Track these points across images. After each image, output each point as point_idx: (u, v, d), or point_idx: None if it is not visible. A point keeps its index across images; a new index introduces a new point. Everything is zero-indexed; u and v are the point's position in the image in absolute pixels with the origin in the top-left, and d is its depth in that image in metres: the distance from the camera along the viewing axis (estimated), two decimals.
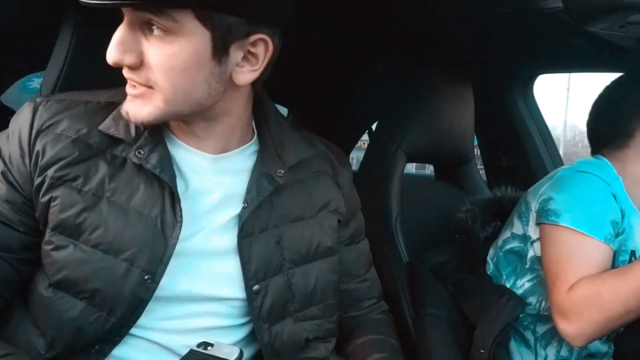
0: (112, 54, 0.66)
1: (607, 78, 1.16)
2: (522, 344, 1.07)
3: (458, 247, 1.22)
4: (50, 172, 0.68)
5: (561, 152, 1.01)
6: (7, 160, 0.70)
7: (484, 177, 1.69)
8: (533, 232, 1.05)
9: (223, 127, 0.75)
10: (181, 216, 0.70)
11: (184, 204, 0.70)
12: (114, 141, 0.71)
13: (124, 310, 0.68)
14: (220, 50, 0.65)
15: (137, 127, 0.71)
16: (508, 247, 1.11)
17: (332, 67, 1.79)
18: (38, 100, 0.73)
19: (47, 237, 0.69)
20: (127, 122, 0.71)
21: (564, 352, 1.05)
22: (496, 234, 1.19)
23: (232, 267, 0.74)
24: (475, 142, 1.62)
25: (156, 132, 0.72)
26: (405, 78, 1.42)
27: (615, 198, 0.99)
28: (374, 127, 2.06)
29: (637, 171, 1.04)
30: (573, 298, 0.90)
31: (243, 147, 0.79)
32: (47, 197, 0.68)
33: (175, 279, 0.71)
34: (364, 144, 2.33)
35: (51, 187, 0.68)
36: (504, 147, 1.63)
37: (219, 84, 0.68)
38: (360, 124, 2.15)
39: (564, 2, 0.79)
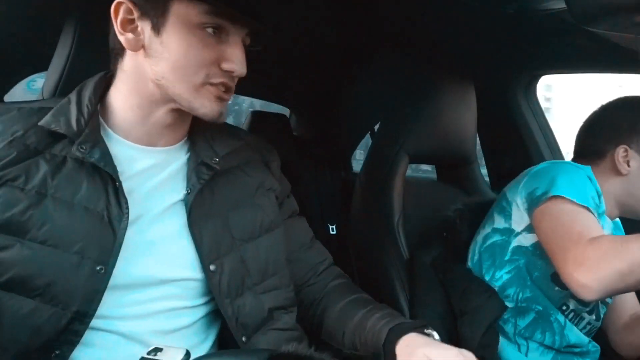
0: (244, 69, 0.75)
1: None
2: (503, 337, 1.09)
3: (445, 245, 1.24)
4: None
5: None
6: None
7: (487, 179, 1.68)
8: (517, 225, 1.09)
9: (185, 121, 0.82)
10: (127, 208, 0.71)
11: (127, 195, 0.72)
12: (53, 140, 0.72)
13: (80, 303, 0.68)
14: None
15: (78, 123, 0.73)
16: (489, 242, 1.14)
17: (334, 68, 1.79)
18: None
19: None
20: (67, 119, 0.73)
21: (547, 342, 1.07)
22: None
23: (185, 248, 0.77)
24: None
25: (96, 127, 0.75)
26: (408, 79, 1.42)
27: (590, 180, 1.04)
28: (376, 128, 2.06)
29: (601, 187, 1.08)
30: (596, 246, 0.89)
31: (179, 143, 0.83)
32: None
33: (129, 266, 0.72)
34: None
35: None
36: (507, 148, 1.62)
37: None
38: (363, 125, 2.15)
39: (567, 2, 0.79)
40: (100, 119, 0.78)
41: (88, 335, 0.69)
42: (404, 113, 1.36)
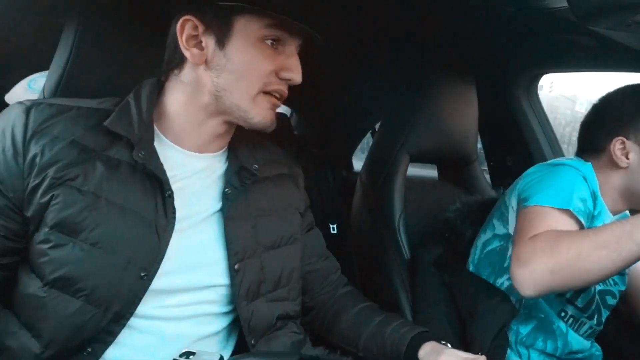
0: (300, 77, 0.80)
1: None
2: None
3: (447, 245, 1.24)
4: (50, 172, 0.70)
5: None
6: None
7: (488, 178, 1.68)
8: (514, 230, 1.07)
9: (229, 133, 0.86)
10: (174, 218, 0.75)
11: (174, 199, 0.75)
12: (110, 141, 0.75)
13: (120, 306, 0.70)
14: None
15: (139, 128, 0.75)
16: (489, 248, 1.13)
17: (335, 67, 1.79)
18: (28, 103, 0.75)
19: (43, 236, 0.70)
20: (130, 122, 0.75)
21: (549, 350, 1.06)
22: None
23: (217, 254, 0.80)
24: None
25: (152, 134, 0.78)
26: (409, 78, 1.42)
27: (586, 181, 1.02)
28: (377, 127, 2.06)
29: (603, 181, 1.07)
30: (532, 243, 0.90)
31: (222, 150, 0.87)
32: (47, 197, 0.70)
33: (169, 273, 0.74)
34: None
35: (51, 186, 0.70)
36: (508, 147, 1.62)
37: None
38: (364, 124, 2.15)
39: (569, 1, 0.78)
40: (154, 124, 0.80)
41: (121, 335, 0.71)
42: (405, 112, 1.36)
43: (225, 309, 0.82)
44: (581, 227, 0.96)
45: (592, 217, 1.02)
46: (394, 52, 1.55)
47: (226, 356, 0.80)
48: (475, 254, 1.16)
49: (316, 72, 1.82)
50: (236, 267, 0.80)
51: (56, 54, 0.99)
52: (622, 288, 1.11)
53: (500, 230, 1.12)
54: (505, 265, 1.08)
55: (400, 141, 1.34)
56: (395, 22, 1.28)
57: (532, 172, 1.08)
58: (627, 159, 1.05)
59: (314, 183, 2.04)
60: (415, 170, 1.54)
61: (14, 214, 0.71)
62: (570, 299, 1.05)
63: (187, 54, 0.76)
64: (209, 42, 0.76)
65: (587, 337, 1.09)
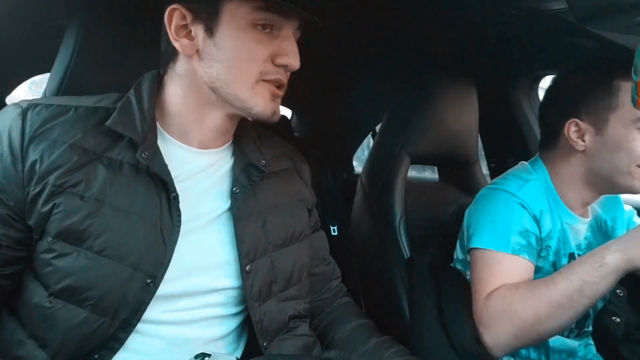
0: (298, 62, 0.75)
1: None
2: None
3: (441, 249, 1.23)
4: (51, 180, 0.67)
5: None
6: None
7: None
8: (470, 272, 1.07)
9: (233, 126, 0.83)
10: (179, 220, 0.72)
11: (179, 197, 0.73)
12: (111, 141, 0.72)
13: (127, 314, 0.69)
14: None
15: (142, 127, 0.72)
16: (457, 266, 1.14)
17: (335, 69, 1.79)
18: (23, 104, 0.71)
19: (46, 245, 0.68)
20: (132, 121, 0.72)
21: (533, 357, 1.05)
22: None
23: (227, 255, 0.78)
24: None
25: (155, 132, 0.75)
26: (409, 80, 1.42)
27: (524, 207, 0.99)
28: (377, 129, 2.06)
29: (564, 171, 1.03)
30: (488, 307, 0.92)
31: (227, 144, 0.84)
32: (49, 205, 0.67)
33: (175, 278, 0.72)
34: None
35: (53, 194, 0.67)
36: (508, 149, 1.62)
37: None
38: (364, 126, 2.15)
39: (569, 3, 0.79)
40: (157, 121, 0.78)
41: (128, 341, 0.70)
42: (406, 114, 1.36)
43: (235, 310, 0.80)
44: (527, 264, 0.96)
45: (541, 240, 1.01)
46: (394, 54, 1.56)
47: (237, 357, 0.80)
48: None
49: (317, 74, 1.83)
50: (247, 268, 0.77)
51: (58, 57, 0.99)
52: None
53: (459, 254, 1.12)
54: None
55: (400, 143, 1.34)
56: (395, 24, 1.28)
57: (476, 199, 1.08)
58: (583, 141, 0.99)
59: (314, 185, 2.03)
60: (416, 172, 1.55)
61: (16, 223, 0.69)
62: None
63: (176, 45, 0.73)
64: (198, 31, 0.72)
65: (573, 338, 1.07)
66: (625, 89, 0.95)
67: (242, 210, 0.79)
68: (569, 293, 0.84)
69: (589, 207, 1.10)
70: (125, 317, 0.69)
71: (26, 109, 0.71)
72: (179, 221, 0.72)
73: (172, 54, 0.76)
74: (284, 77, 0.76)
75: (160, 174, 0.71)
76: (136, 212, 0.70)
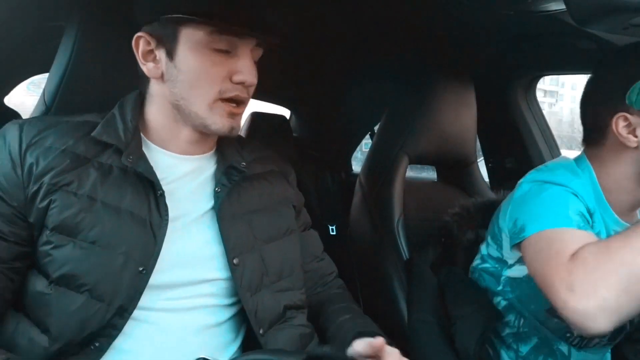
0: (254, 79, 0.81)
1: None
2: None
3: (444, 249, 1.23)
4: (46, 179, 0.74)
5: None
6: None
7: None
8: (509, 256, 1.00)
9: (210, 135, 0.87)
10: (167, 215, 0.77)
11: (167, 198, 0.78)
12: (100, 149, 0.79)
13: (123, 299, 0.73)
14: None
15: (125, 135, 0.80)
16: (484, 265, 1.08)
17: (334, 70, 1.79)
18: (20, 121, 0.81)
19: (45, 238, 0.74)
20: (116, 131, 0.80)
21: None
22: (478, 240, 1.17)
23: (214, 250, 0.82)
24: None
25: (139, 140, 0.82)
26: (408, 80, 1.42)
27: (577, 196, 0.90)
28: (376, 129, 2.06)
29: (614, 171, 0.93)
30: (579, 262, 0.75)
31: (212, 151, 0.90)
32: (45, 202, 0.74)
33: (167, 268, 0.77)
34: None
35: (49, 192, 0.74)
36: (506, 149, 1.63)
37: None
38: (362, 126, 2.15)
39: (567, 4, 0.79)
40: (141, 132, 0.85)
41: (126, 327, 0.74)
42: (404, 114, 1.36)
43: (228, 301, 0.83)
44: (595, 237, 0.84)
45: (592, 224, 0.93)
46: (393, 54, 1.56)
47: (236, 346, 0.84)
48: (476, 261, 1.12)
49: (315, 74, 1.84)
50: (235, 261, 0.82)
51: (56, 57, 0.99)
52: None
53: (493, 251, 1.05)
54: (500, 288, 1.03)
55: (399, 143, 1.35)
56: (394, 24, 1.28)
57: (521, 195, 0.97)
58: (635, 137, 0.88)
59: (313, 185, 2.04)
60: (413, 173, 1.55)
61: (21, 221, 0.75)
62: None
63: (144, 68, 0.81)
64: (161, 55, 0.79)
65: (595, 351, 1.02)
66: None
67: (225, 209, 0.84)
68: None
69: (637, 212, 0.99)
70: (121, 303, 0.73)
71: (22, 123, 0.79)
72: (167, 216, 0.77)
73: (144, 76, 0.83)
74: (242, 94, 0.81)
75: (146, 174, 0.78)
76: (126, 208, 0.76)
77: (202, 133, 0.84)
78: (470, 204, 1.23)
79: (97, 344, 0.73)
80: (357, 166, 2.32)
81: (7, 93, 1.40)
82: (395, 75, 1.63)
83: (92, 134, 0.79)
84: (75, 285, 0.72)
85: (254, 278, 0.83)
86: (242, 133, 1.82)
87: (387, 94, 1.60)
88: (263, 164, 0.95)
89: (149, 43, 0.79)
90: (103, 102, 0.87)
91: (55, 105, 1.04)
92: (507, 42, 1.26)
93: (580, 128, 1.01)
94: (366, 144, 2.34)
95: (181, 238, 0.80)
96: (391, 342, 0.92)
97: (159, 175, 0.79)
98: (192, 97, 0.79)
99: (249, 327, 0.85)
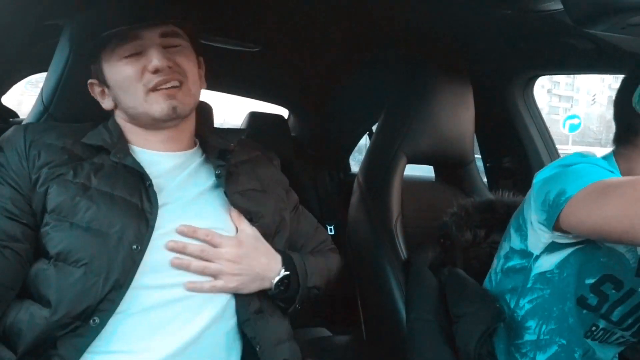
0: (161, 61, 0.86)
1: None
2: None
3: (442, 249, 1.22)
4: (45, 169, 0.83)
5: None
6: (6, 167, 0.84)
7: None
8: (534, 247, 0.96)
9: (184, 130, 0.96)
10: (157, 202, 0.83)
11: (157, 190, 0.85)
12: (93, 152, 0.88)
13: (119, 273, 0.78)
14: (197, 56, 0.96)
15: (111, 139, 0.90)
16: (510, 264, 1.03)
17: (332, 69, 1.79)
18: (24, 125, 0.91)
19: (45, 220, 0.81)
20: (102, 137, 0.90)
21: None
22: (477, 240, 1.17)
23: (209, 225, 0.88)
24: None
25: (124, 143, 0.91)
26: (406, 79, 1.42)
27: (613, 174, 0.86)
28: (374, 128, 2.06)
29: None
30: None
31: (194, 149, 0.98)
32: (44, 187, 0.82)
33: (161, 247, 0.83)
34: None
35: (47, 179, 0.83)
36: (504, 149, 1.63)
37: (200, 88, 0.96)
38: (361, 126, 2.15)
39: (564, 4, 0.79)
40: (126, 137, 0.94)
41: (124, 304, 0.78)
42: (402, 114, 1.36)
43: None
44: None
45: None
46: (390, 53, 1.56)
47: (233, 320, 0.87)
48: (498, 266, 1.07)
49: (313, 74, 1.84)
50: (249, 217, 0.90)
51: (55, 56, 0.99)
52: None
53: (516, 243, 1.00)
54: (529, 286, 0.98)
55: (397, 143, 1.35)
56: (391, 24, 1.29)
57: (546, 175, 0.92)
58: None
59: (311, 184, 2.04)
60: (415, 170, 1.55)
61: (30, 208, 0.83)
62: (605, 313, 0.94)
63: (103, 105, 0.95)
64: (104, 88, 0.93)
65: (614, 346, 1.00)
66: None
67: (231, 187, 0.91)
68: None
69: None
70: (117, 277, 0.77)
71: (26, 126, 0.90)
72: (157, 203, 0.83)
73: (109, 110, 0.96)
74: (166, 76, 0.87)
75: (134, 166, 0.85)
76: (119, 195, 0.83)
77: (171, 131, 0.93)
78: (469, 203, 1.22)
79: (96, 320, 0.76)
80: (355, 166, 2.32)
81: (4, 92, 1.40)
82: (393, 75, 1.63)
83: (81, 140, 0.88)
84: (72, 261, 0.78)
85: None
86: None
87: (385, 94, 1.60)
88: (247, 150, 1.04)
89: (98, 84, 0.93)
90: None
91: (53, 105, 1.04)
92: (505, 41, 1.26)
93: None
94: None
95: (175, 219, 0.85)
96: (389, 341, 0.93)
97: (146, 170, 0.86)
98: (128, 101, 0.89)
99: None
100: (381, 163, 1.36)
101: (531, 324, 0.99)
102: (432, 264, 1.20)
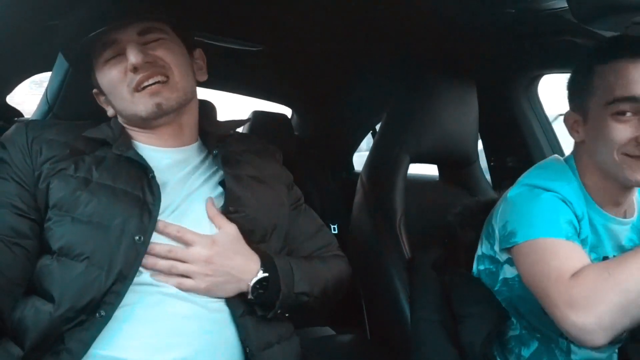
0: (137, 58, 0.85)
1: None
2: None
3: (446, 250, 1.23)
4: (47, 165, 0.84)
5: None
6: (11, 164, 0.85)
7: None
8: (500, 255, 1.02)
9: (183, 125, 0.96)
10: (159, 193, 0.84)
11: (160, 184, 0.85)
12: (95, 145, 0.89)
13: (122, 266, 0.77)
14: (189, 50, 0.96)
15: (113, 133, 0.90)
16: (482, 267, 1.09)
17: (335, 68, 1.79)
18: (25, 122, 0.91)
19: (48, 215, 0.82)
20: (104, 132, 0.91)
21: None
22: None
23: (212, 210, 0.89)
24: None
25: (126, 137, 0.92)
26: (409, 79, 1.42)
27: (566, 203, 0.94)
28: (377, 127, 2.06)
29: (580, 165, 0.98)
30: (580, 282, 0.79)
31: (195, 143, 0.99)
32: (46, 183, 0.83)
33: (163, 237, 0.83)
34: None
35: (48, 175, 0.83)
36: (508, 148, 1.63)
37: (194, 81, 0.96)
38: (364, 125, 2.15)
39: (569, 2, 0.79)
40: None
41: (129, 296, 0.78)
42: (405, 113, 1.36)
43: None
44: (582, 250, 0.89)
45: (581, 241, 0.94)
46: (394, 53, 1.56)
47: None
48: (475, 267, 1.12)
49: (317, 74, 1.83)
50: (231, 209, 0.87)
51: (59, 56, 1.00)
52: None
53: (487, 249, 1.06)
54: (496, 289, 1.05)
55: (400, 142, 1.34)
56: (395, 23, 1.28)
57: (512, 197, 0.99)
58: (577, 132, 0.97)
59: (314, 184, 2.04)
60: (418, 169, 1.54)
61: (35, 204, 0.83)
62: None
63: (108, 113, 0.96)
64: (104, 96, 0.94)
65: (599, 350, 1.00)
66: (599, 73, 0.92)
67: (228, 170, 0.91)
68: None
69: (634, 207, 1.03)
70: (120, 269, 0.77)
71: (27, 123, 0.90)
72: (160, 194, 0.83)
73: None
74: (145, 72, 0.86)
75: (136, 159, 0.86)
76: (120, 187, 0.83)
77: (168, 127, 0.93)
78: (473, 203, 1.22)
79: (102, 313, 0.76)
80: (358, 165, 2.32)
81: (9, 92, 1.40)
82: (396, 74, 1.62)
83: (83, 134, 0.89)
84: (74, 255, 0.78)
85: (243, 231, 0.88)
86: (244, 132, 1.82)
87: (389, 93, 1.60)
88: (248, 142, 1.05)
89: (99, 93, 0.94)
90: None
91: (57, 104, 1.04)
92: (509, 40, 1.25)
93: None
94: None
95: (178, 210, 0.86)
96: (393, 340, 0.93)
97: (149, 163, 0.86)
98: (118, 104, 0.91)
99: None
100: (384, 162, 1.36)
101: (513, 319, 1.03)
102: (435, 263, 1.20)
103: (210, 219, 0.86)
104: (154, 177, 0.85)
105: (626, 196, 0.98)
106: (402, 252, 1.26)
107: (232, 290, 0.84)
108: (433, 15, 1.19)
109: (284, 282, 0.86)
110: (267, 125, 1.97)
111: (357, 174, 1.51)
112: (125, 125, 0.95)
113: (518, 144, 1.58)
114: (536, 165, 1.06)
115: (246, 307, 0.86)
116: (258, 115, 2.01)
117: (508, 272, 1.02)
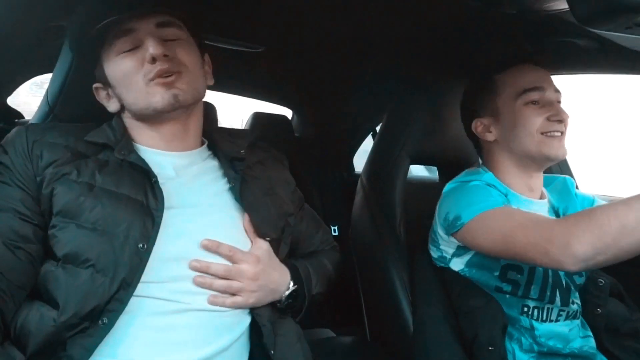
0: (157, 49, 0.85)
1: None
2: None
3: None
4: (49, 170, 0.83)
5: None
6: (12, 169, 0.84)
7: None
8: (446, 252, 1.13)
9: (189, 127, 0.95)
10: (162, 199, 0.83)
11: (163, 188, 0.84)
12: (97, 149, 0.88)
13: (126, 273, 0.77)
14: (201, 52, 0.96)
15: (114, 136, 0.90)
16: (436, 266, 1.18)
17: (335, 69, 1.79)
18: (25, 125, 0.90)
19: (52, 222, 0.81)
20: (106, 135, 0.90)
21: (525, 347, 1.05)
22: None
23: (237, 228, 0.91)
24: None
25: (128, 140, 0.91)
26: (410, 80, 1.42)
27: (491, 185, 1.08)
28: (377, 129, 2.06)
29: (497, 165, 1.14)
30: (564, 222, 0.88)
31: (201, 147, 0.99)
32: (49, 189, 0.82)
33: (167, 245, 0.82)
34: None
35: (51, 180, 0.82)
36: None
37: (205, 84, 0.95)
38: (364, 126, 2.15)
39: (570, 3, 0.79)
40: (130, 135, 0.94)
41: (132, 303, 0.78)
42: (406, 114, 1.36)
43: None
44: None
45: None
46: (394, 54, 1.56)
47: (245, 312, 0.89)
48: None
49: (317, 75, 1.84)
50: (267, 239, 0.91)
51: (60, 57, 1.00)
52: None
53: (435, 254, 1.16)
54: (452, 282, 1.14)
55: (400, 143, 1.35)
56: (395, 24, 1.28)
57: (445, 194, 1.13)
58: (490, 132, 1.13)
59: (314, 185, 2.04)
60: (419, 170, 1.55)
61: (38, 208, 0.83)
62: (523, 295, 1.06)
63: (110, 109, 0.95)
64: (108, 90, 0.93)
65: (564, 320, 1.07)
66: (500, 79, 1.12)
67: (246, 199, 0.92)
68: None
69: (543, 191, 1.17)
70: (124, 276, 0.77)
71: (27, 127, 0.89)
72: (163, 199, 0.83)
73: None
74: (163, 66, 0.86)
75: (138, 163, 0.85)
76: (123, 193, 0.83)
77: (174, 124, 0.92)
78: None
79: (105, 320, 0.76)
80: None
81: (9, 93, 1.40)
82: (396, 75, 1.63)
83: (85, 138, 0.88)
84: (79, 262, 0.78)
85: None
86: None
87: (389, 94, 1.60)
88: (257, 152, 1.05)
89: (102, 87, 0.93)
90: None
91: (58, 106, 1.04)
92: (509, 41, 1.25)
93: None
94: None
95: (182, 218, 0.85)
96: (394, 341, 0.93)
97: (152, 169, 0.86)
98: (130, 96, 0.89)
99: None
100: (384, 163, 1.36)
101: None
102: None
103: (249, 235, 0.91)
104: (156, 182, 0.84)
105: (536, 182, 1.14)
106: (402, 253, 1.26)
107: (268, 301, 0.90)
108: (434, 17, 1.19)
109: (307, 289, 0.95)
110: (268, 127, 1.98)
111: (358, 175, 1.51)
112: (131, 121, 0.93)
113: None
114: (462, 172, 1.19)
115: (272, 312, 0.92)
116: (258, 117, 2.02)
117: (457, 265, 1.12)
